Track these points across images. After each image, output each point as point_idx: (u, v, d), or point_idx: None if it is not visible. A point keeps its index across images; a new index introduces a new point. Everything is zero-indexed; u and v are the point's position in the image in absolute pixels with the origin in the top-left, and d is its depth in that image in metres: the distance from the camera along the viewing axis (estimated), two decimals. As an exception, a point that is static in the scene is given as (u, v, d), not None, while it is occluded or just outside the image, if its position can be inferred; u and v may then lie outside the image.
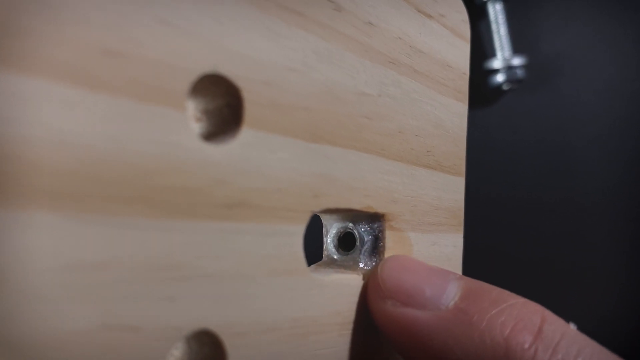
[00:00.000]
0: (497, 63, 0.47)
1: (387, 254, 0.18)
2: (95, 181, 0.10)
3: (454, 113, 0.20)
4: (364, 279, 0.17)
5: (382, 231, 0.18)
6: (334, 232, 0.19)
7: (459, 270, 0.21)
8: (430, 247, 0.19)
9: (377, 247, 0.18)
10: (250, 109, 0.13)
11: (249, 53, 0.13)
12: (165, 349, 0.12)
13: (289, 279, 0.14)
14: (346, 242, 0.18)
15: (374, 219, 0.18)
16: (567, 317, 0.17)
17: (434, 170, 0.19)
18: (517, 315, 0.15)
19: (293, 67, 0.14)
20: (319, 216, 0.19)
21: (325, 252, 0.19)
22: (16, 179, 0.09)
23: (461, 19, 0.20)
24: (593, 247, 0.48)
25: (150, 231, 0.11)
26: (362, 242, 0.18)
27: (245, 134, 0.13)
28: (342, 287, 0.16)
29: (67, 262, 0.10)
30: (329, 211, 0.16)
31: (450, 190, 0.21)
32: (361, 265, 0.17)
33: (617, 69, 0.48)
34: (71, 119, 0.10)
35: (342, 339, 0.16)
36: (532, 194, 0.48)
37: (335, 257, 0.18)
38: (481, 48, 0.50)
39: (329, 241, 0.19)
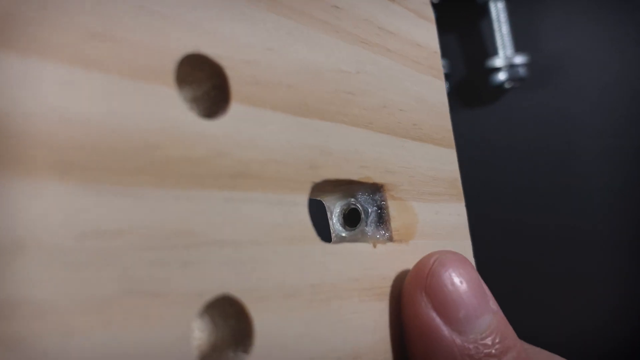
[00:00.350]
0: (499, 61, 0.47)
1: (393, 223, 0.18)
2: (100, 154, 0.11)
3: (433, 89, 0.21)
4: (374, 246, 0.17)
5: (384, 201, 0.18)
6: (338, 210, 0.19)
7: (468, 238, 0.21)
8: (434, 215, 0.20)
9: (382, 217, 0.18)
10: (235, 86, 0.14)
11: (227, 34, 0.14)
12: (188, 315, 0.12)
13: (301, 247, 0.15)
14: (351, 218, 0.19)
15: (374, 190, 0.18)
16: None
17: (425, 142, 0.20)
18: None
19: (270, 46, 0.15)
20: (322, 202, 0.19)
21: (333, 234, 0.19)
22: (24, 152, 0.10)
23: (422, 1, 0.22)
24: (594, 246, 0.48)
25: (160, 200, 0.11)
26: (367, 214, 0.18)
27: (235, 109, 0.14)
28: (354, 255, 0.16)
29: (82, 230, 0.10)
30: (329, 184, 0.16)
31: (444, 162, 0.21)
32: (369, 234, 0.18)
33: (619, 67, 0.48)
34: (70, 95, 0.10)
35: (363, 305, 0.16)
36: (533, 192, 0.48)
37: (343, 234, 0.19)
38: (483, 46, 0.50)
39: (334, 221, 0.19)
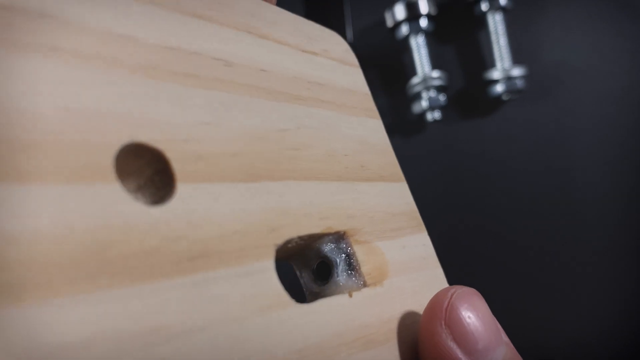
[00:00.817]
0: (496, 73, 0.47)
1: (364, 267, 0.18)
2: (52, 266, 0.10)
3: (372, 129, 0.21)
4: (350, 295, 0.17)
5: (350, 246, 0.18)
6: (307, 268, 0.19)
7: (439, 266, 0.21)
8: (401, 250, 0.20)
9: (351, 264, 0.18)
10: (178, 167, 0.13)
11: (159, 119, 0.13)
12: None
13: (278, 314, 0.14)
14: (321, 272, 0.18)
15: (338, 238, 0.18)
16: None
17: (376, 181, 0.20)
18: None
19: (206, 121, 0.15)
20: (291, 265, 0.19)
21: (307, 292, 0.19)
22: None
23: (343, 49, 0.22)
24: (592, 257, 0.48)
25: (123, 300, 0.11)
26: (336, 264, 0.18)
27: (182, 190, 0.13)
28: (332, 309, 0.16)
29: (50, 343, 0.10)
30: (292, 243, 0.16)
31: (398, 196, 0.21)
32: (342, 284, 0.18)
33: (617, 79, 0.48)
34: (10, 214, 0.10)
35: (353, 357, 0.16)
36: (531, 204, 0.48)
37: (317, 290, 0.18)
38: (481, 58, 0.50)
39: (306, 280, 0.19)
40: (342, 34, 0.50)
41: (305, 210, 0.17)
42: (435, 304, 0.17)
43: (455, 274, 0.50)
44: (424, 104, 0.47)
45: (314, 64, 0.19)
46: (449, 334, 0.17)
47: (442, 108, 0.47)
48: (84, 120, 0.12)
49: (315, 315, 0.15)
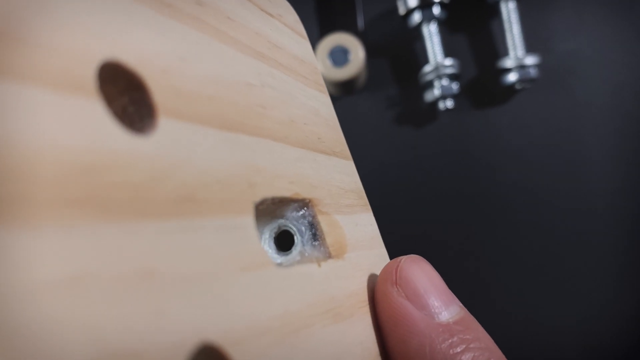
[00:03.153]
0: (509, 62, 0.47)
1: (328, 239, 0.18)
2: (38, 183, 0.09)
3: (323, 103, 0.21)
4: (319, 265, 0.17)
5: (314, 216, 0.18)
6: (267, 235, 0.18)
7: (383, 246, 0.22)
8: (354, 227, 0.20)
9: (316, 235, 0.18)
10: (159, 98, 0.12)
11: (140, 42, 0.13)
12: None
13: (261, 274, 0.14)
14: (282, 241, 0.18)
15: (301, 206, 0.18)
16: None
17: (330, 155, 0.20)
18: (487, 359, 0.17)
19: (182, 56, 0.14)
20: None
21: None
22: None
23: (294, 19, 0.22)
24: (604, 248, 0.48)
25: (112, 237, 0.10)
26: (301, 233, 0.18)
27: (165, 125, 0.12)
28: (305, 277, 0.16)
29: (39, 279, 0.08)
30: (266, 203, 0.16)
31: (349, 174, 0.21)
32: (306, 255, 0.17)
33: (630, 69, 0.48)
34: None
35: (326, 331, 0.16)
36: (543, 194, 0.48)
37: (278, 261, 0.17)
38: (494, 47, 0.49)
39: (266, 248, 0.18)
40: (353, 21, 0.50)
41: (276, 172, 0.16)
42: (386, 269, 0.18)
43: (464, 263, 0.50)
44: (436, 92, 0.47)
45: (271, 25, 0.19)
46: (400, 292, 0.18)
47: (454, 97, 0.47)
48: (64, 26, 0.11)
49: (291, 281, 0.15)
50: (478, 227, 0.49)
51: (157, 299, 0.10)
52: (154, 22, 0.13)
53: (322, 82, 0.22)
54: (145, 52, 0.12)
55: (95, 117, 0.11)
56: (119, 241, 0.10)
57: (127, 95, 0.12)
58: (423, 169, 0.49)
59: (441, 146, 0.49)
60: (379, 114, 0.50)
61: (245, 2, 0.18)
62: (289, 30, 0.20)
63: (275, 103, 0.17)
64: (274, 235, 0.18)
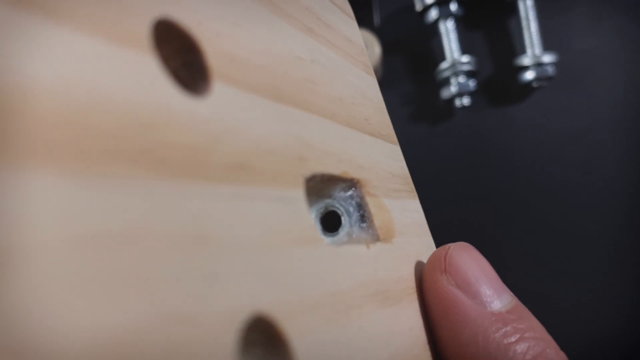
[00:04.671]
0: (527, 60, 0.46)
1: (376, 221, 0.17)
2: (95, 134, 0.09)
3: (370, 85, 0.20)
4: (368, 247, 0.16)
5: (362, 197, 0.17)
6: (314, 215, 0.17)
7: (430, 235, 0.21)
8: (402, 213, 0.19)
9: (364, 216, 0.17)
10: (214, 63, 0.12)
11: (194, 4, 0.12)
12: (227, 342, 0.10)
13: (312, 250, 0.13)
14: (328, 222, 0.17)
15: (350, 187, 0.17)
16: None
17: (377, 138, 0.19)
18: (543, 349, 0.16)
19: (236, 22, 0.13)
20: None
21: None
22: (15, 136, 0.08)
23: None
24: (622, 246, 0.47)
25: (167, 196, 0.10)
26: (349, 214, 0.17)
27: (220, 89, 0.12)
28: (355, 257, 0.15)
29: (85, 232, 0.08)
30: (313, 180, 0.15)
31: (395, 158, 0.20)
32: (354, 236, 0.17)
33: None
34: (51, 60, 0.08)
35: (376, 314, 0.15)
36: (559, 192, 0.48)
37: (325, 242, 0.17)
38: (511, 44, 0.49)
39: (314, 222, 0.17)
40: (369, 17, 0.49)
41: (325, 148, 0.16)
42: (434, 256, 0.18)
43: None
44: (453, 89, 0.46)
45: (321, 3, 0.19)
46: (450, 280, 0.17)
47: (471, 94, 0.47)
48: None
49: (341, 260, 0.14)
50: (493, 225, 0.48)
51: (211, 263, 0.10)
52: None
53: (369, 64, 0.21)
54: (199, 13, 0.12)
55: (151, 73, 0.10)
56: (173, 200, 0.10)
57: (180, 58, 0.12)
58: (438, 166, 0.49)
59: (457, 144, 0.49)
60: (394, 111, 0.49)
61: None
62: (337, 9, 0.20)
63: (324, 79, 0.17)
64: (320, 216, 0.17)
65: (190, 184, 0.10)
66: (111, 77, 0.09)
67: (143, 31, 0.10)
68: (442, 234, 0.49)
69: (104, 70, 0.09)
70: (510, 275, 0.47)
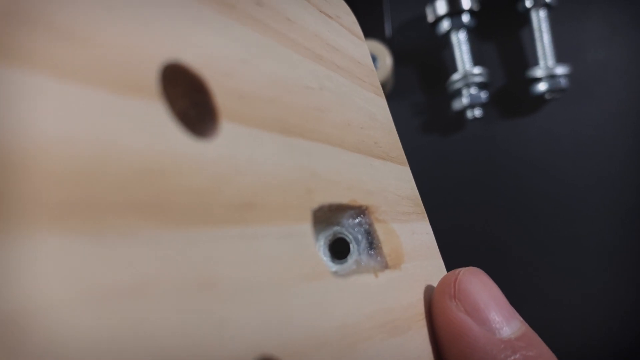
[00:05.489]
0: (539, 72, 0.46)
1: (385, 248, 0.17)
2: (102, 187, 0.09)
3: (379, 107, 0.20)
4: (376, 276, 0.16)
5: (371, 224, 0.17)
6: (322, 242, 0.17)
7: (440, 257, 0.21)
8: (411, 236, 0.19)
9: (372, 243, 0.17)
10: (222, 101, 0.12)
11: (204, 44, 0.12)
12: None
13: (318, 284, 0.13)
14: (337, 249, 0.17)
15: (358, 214, 0.17)
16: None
17: (386, 161, 0.19)
18: None
19: (243, 58, 0.13)
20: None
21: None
22: (18, 197, 0.08)
23: (352, 20, 0.21)
24: (634, 259, 0.47)
25: (174, 245, 0.10)
26: (357, 241, 0.17)
27: (227, 128, 0.12)
28: (362, 288, 0.15)
29: (91, 287, 0.08)
30: (320, 211, 0.15)
31: (404, 180, 0.20)
32: (363, 264, 0.17)
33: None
34: (55, 116, 0.09)
35: (384, 345, 0.15)
36: (571, 205, 0.47)
37: (333, 269, 0.17)
38: (524, 56, 0.49)
39: (321, 256, 0.17)
40: (381, 28, 0.49)
41: (332, 177, 0.15)
42: (443, 281, 0.18)
43: (489, 272, 0.49)
44: (465, 100, 0.46)
45: (329, 27, 0.19)
46: (460, 306, 0.17)
47: (483, 105, 0.47)
48: (128, 25, 0.10)
49: (349, 292, 0.14)
50: (505, 237, 0.48)
51: (219, 308, 0.10)
52: (215, 22, 0.13)
53: (379, 85, 0.21)
54: (207, 53, 0.12)
55: (158, 119, 0.10)
56: (180, 248, 0.10)
57: (188, 98, 0.12)
58: (450, 177, 0.49)
59: (468, 155, 0.49)
60: (405, 122, 0.49)
61: (304, 3, 0.18)
62: (347, 32, 0.20)
63: (332, 106, 0.17)
64: (328, 243, 0.17)
65: (197, 230, 0.10)
66: (117, 128, 0.09)
67: (151, 77, 0.10)
68: (453, 245, 0.48)
69: (109, 121, 0.09)
70: (522, 285, 0.47)
